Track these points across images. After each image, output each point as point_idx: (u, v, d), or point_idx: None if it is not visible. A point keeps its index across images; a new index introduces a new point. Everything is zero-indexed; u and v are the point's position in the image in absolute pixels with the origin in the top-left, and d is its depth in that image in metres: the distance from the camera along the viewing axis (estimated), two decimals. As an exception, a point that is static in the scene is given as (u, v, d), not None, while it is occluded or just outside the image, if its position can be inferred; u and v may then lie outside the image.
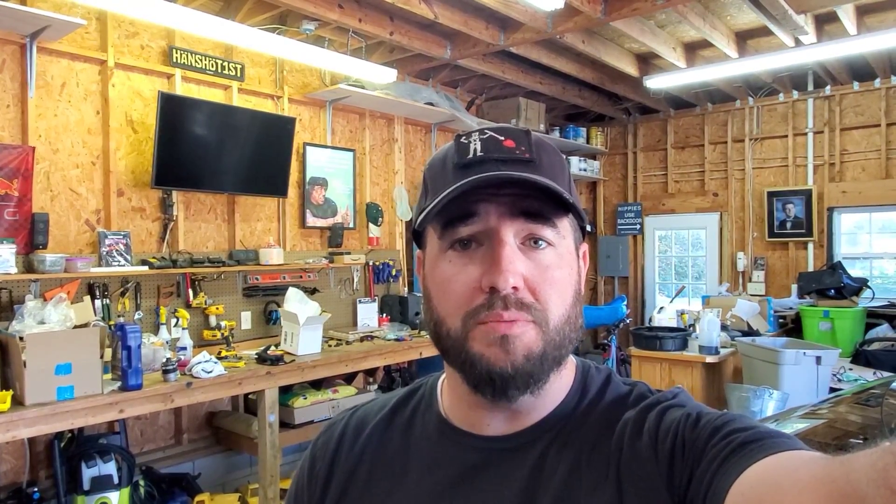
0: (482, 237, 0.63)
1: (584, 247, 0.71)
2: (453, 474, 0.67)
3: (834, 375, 3.80)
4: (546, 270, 0.63)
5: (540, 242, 0.63)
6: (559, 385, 0.68)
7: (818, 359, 3.64)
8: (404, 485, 0.70)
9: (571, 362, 0.71)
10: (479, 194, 0.62)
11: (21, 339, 2.71)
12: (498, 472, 0.66)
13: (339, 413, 0.83)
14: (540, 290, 0.62)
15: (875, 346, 4.38)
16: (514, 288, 0.61)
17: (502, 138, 0.66)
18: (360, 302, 4.85)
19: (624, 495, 0.59)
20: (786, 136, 6.34)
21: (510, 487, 0.64)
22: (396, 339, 4.41)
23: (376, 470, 0.73)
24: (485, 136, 0.66)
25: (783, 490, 0.47)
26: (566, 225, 0.66)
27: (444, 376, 0.75)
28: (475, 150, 0.65)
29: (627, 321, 6.44)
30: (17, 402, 2.68)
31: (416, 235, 0.71)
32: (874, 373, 3.89)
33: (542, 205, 0.63)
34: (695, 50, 5.35)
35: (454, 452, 0.69)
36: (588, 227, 0.71)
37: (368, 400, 0.84)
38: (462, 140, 0.67)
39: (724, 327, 4.45)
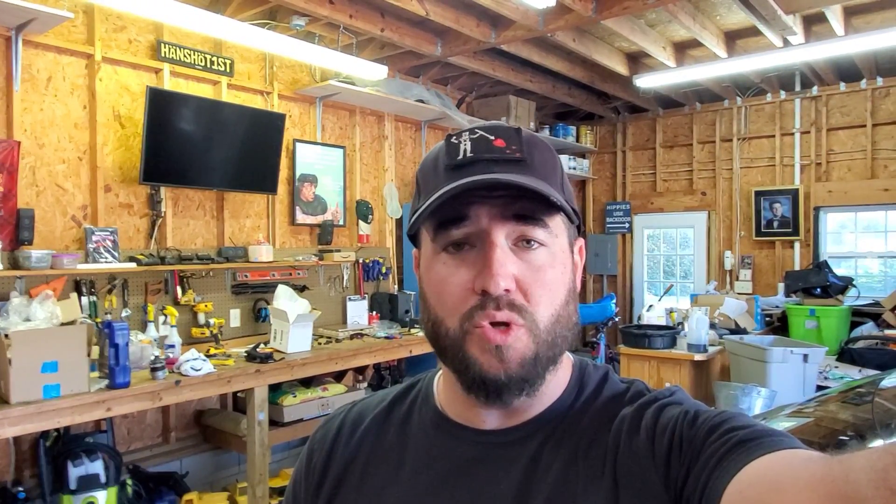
0: (474, 239, 0.63)
1: (580, 242, 0.71)
2: (449, 467, 0.68)
3: (820, 373, 3.85)
4: (538, 271, 0.63)
5: (532, 243, 0.63)
6: (555, 382, 0.68)
7: (805, 357, 3.68)
8: (400, 477, 0.70)
9: (568, 359, 0.71)
10: (470, 196, 0.62)
11: (6, 336, 2.67)
12: (494, 465, 0.66)
13: (339, 408, 0.83)
14: (531, 291, 0.62)
15: (860, 344, 4.44)
16: (507, 290, 0.61)
17: (492, 138, 0.65)
18: (349, 300, 4.83)
19: (620, 492, 0.59)
20: (773, 136, 6.40)
21: (506, 481, 0.64)
22: (386, 337, 4.40)
23: (373, 462, 0.73)
24: (475, 136, 0.66)
25: (782, 489, 0.47)
26: (559, 223, 0.66)
27: (441, 371, 0.75)
28: (465, 150, 0.65)
29: (616, 319, 6.47)
30: (3, 400, 2.64)
31: (411, 236, 0.71)
32: (859, 370, 3.94)
33: (533, 206, 0.62)
34: (684, 49, 5.38)
35: (450, 446, 0.69)
36: (578, 224, 0.71)
37: (367, 395, 0.84)
38: (452, 140, 0.66)
39: (712, 325, 4.49)
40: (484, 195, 0.62)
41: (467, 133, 0.66)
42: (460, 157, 0.65)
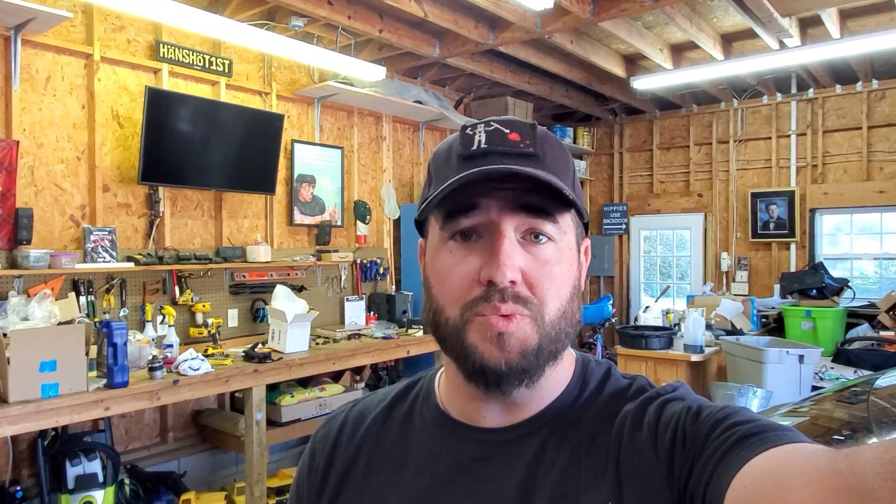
0: (483, 229, 0.63)
1: (587, 242, 0.72)
2: (451, 466, 0.67)
3: (816, 374, 3.87)
4: (545, 265, 0.63)
5: (540, 237, 0.63)
6: (558, 378, 0.68)
7: (801, 357, 3.70)
8: (402, 476, 0.70)
9: (570, 355, 0.71)
10: (481, 187, 0.62)
11: (5, 335, 2.67)
12: (496, 464, 0.66)
13: (340, 407, 0.83)
14: (537, 284, 0.62)
15: (856, 345, 4.46)
16: (512, 282, 0.61)
17: (507, 131, 0.65)
18: (347, 300, 4.83)
19: (623, 488, 0.59)
20: (769, 138, 6.42)
21: (508, 479, 0.64)
22: (384, 338, 4.41)
23: (375, 461, 0.73)
24: (490, 129, 0.66)
25: (787, 483, 0.47)
26: (568, 220, 0.66)
27: (442, 369, 0.75)
28: (479, 141, 0.65)
29: (613, 320, 6.49)
30: (1, 399, 2.64)
31: (418, 224, 0.71)
32: (855, 371, 3.95)
33: (543, 200, 0.63)
34: (681, 51, 5.40)
35: (452, 444, 0.69)
36: (587, 222, 0.72)
37: (367, 394, 0.84)
38: (468, 131, 0.67)
39: (708, 326, 4.51)
40: (494, 186, 0.62)
41: (483, 125, 0.66)
42: (474, 147, 0.65)
